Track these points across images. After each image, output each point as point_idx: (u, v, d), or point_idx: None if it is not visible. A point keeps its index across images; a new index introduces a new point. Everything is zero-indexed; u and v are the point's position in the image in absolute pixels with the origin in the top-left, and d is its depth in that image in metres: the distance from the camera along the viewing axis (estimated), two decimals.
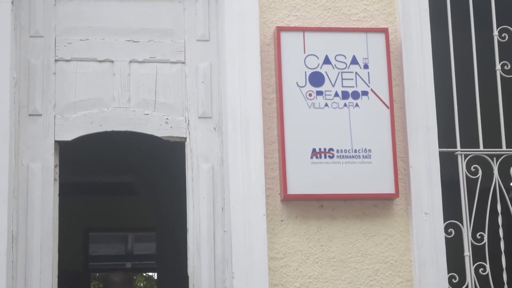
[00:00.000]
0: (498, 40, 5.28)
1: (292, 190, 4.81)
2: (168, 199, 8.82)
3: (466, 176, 5.06)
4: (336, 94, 4.97)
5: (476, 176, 5.06)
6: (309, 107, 4.93)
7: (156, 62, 5.06)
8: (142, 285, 18.39)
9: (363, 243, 4.86)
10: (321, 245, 4.84)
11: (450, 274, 4.87)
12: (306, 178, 4.81)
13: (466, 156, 5.11)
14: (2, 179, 4.64)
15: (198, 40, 5.12)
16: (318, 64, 4.98)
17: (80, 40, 5.02)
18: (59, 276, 8.98)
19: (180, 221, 5.24)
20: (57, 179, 4.87)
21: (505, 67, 5.27)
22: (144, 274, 17.73)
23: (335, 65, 5.00)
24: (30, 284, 4.68)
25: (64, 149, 5.02)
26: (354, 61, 5.02)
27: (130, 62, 5.04)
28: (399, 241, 4.89)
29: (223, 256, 4.83)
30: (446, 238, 4.90)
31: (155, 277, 14.14)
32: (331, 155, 4.86)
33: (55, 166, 4.87)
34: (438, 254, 4.86)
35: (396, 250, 4.88)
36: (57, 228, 4.85)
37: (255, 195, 4.81)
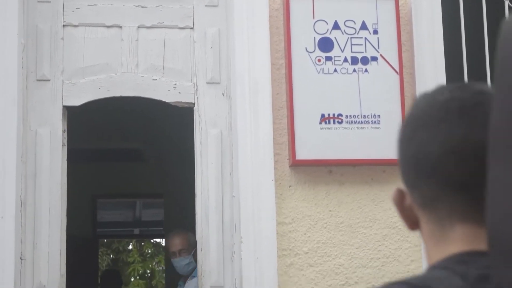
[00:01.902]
0: (509, 6, 5.24)
1: (301, 155, 4.80)
2: (176, 165, 8.82)
3: None
4: (345, 60, 4.94)
5: None
6: (318, 73, 4.91)
7: (164, 27, 5.04)
8: (149, 251, 18.49)
9: (371, 208, 4.86)
10: (330, 210, 4.85)
11: None
12: (314, 143, 4.80)
13: None
14: (10, 145, 4.64)
15: (206, 6, 5.09)
16: (327, 29, 4.96)
17: (88, 5, 5.00)
18: (67, 242, 9.04)
19: (188, 187, 5.24)
20: (65, 144, 4.87)
21: None
22: (152, 241, 17.82)
23: (344, 30, 4.97)
24: (39, 248, 4.70)
25: (72, 115, 5.02)
26: (363, 26, 4.99)
27: (138, 27, 5.02)
28: None
29: (231, 221, 4.84)
30: None
31: (163, 244, 14.21)
32: (340, 120, 4.85)
33: (63, 131, 4.87)
34: None
35: None
36: (66, 193, 4.87)
37: (264, 160, 4.81)
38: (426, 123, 1.16)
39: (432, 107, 1.17)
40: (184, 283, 6.20)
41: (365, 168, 4.87)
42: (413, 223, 1.29)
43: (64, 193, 4.84)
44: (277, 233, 4.77)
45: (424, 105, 1.19)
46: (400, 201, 1.31)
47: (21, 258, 4.65)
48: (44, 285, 4.68)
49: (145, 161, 10.16)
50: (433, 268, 1.15)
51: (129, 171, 10.19)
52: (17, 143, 4.67)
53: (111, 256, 18.31)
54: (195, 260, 5.89)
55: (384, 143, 4.84)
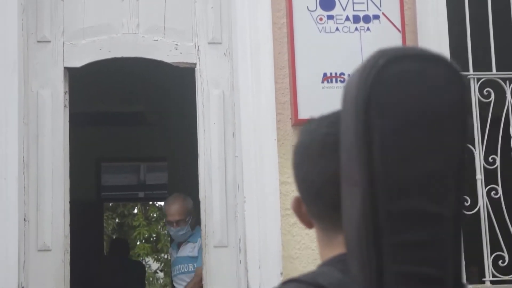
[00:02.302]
0: None
1: (303, 114, 4.79)
2: (180, 128, 8.81)
3: (479, 99, 5.03)
4: (347, 18, 4.91)
5: (489, 100, 5.03)
6: (320, 32, 4.88)
7: None
8: (155, 215, 18.54)
9: None
10: None
11: None
12: (317, 102, 4.78)
13: (478, 79, 5.07)
14: (12, 106, 4.63)
15: None
16: None
17: None
18: (71, 206, 9.06)
19: (192, 150, 5.24)
20: (67, 106, 4.86)
21: None
22: (157, 205, 17.85)
23: None
24: (42, 209, 4.70)
25: (74, 77, 5.00)
26: None
27: None
28: None
29: (235, 181, 4.83)
30: None
31: None
32: (342, 79, 4.82)
33: (65, 93, 4.85)
34: None
35: None
36: (68, 155, 4.86)
37: (266, 120, 4.79)
38: (309, 155, 1.40)
39: (312, 141, 1.41)
40: (178, 247, 6.03)
41: None
42: (309, 224, 1.52)
43: (66, 155, 4.84)
44: (280, 193, 4.76)
45: (308, 138, 1.42)
46: (297, 208, 1.51)
47: (24, 220, 4.65)
48: (48, 246, 4.70)
49: (148, 125, 10.15)
50: (321, 265, 1.40)
51: (132, 135, 10.18)
52: (19, 105, 4.66)
53: (117, 220, 18.38)
54: (192, 228, 5.90)
55: None
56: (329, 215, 1.40)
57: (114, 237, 17.07)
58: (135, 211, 18.54)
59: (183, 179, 8.69)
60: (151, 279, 19.02)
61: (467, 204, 4.85)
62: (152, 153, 10.65)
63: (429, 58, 1.19)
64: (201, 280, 5.21)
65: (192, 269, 5.82)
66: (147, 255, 18.57)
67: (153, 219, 18.59)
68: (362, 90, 1.15)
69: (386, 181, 1.12)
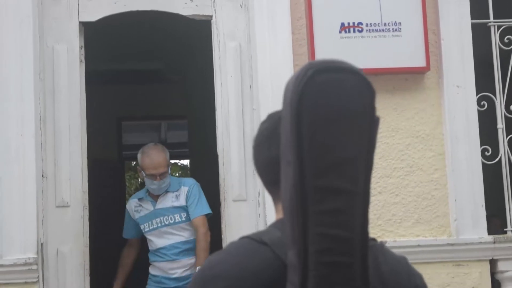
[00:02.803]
0: None
1: None
2: (200, 86, 8.76)
3: (499, 47, 4.94)
4: None
5: (510, 48, 4.94)
6: None
7: None
8: (177, 174, 18.56)
9: (394, 117, 4.79)
10: None
11: (483, 147, 4.80)
12: (334, 53, 4.70)
13: (499, 27, 4.97)
14: (27, 61, 4.60)
15: None
16: None
17: None
18: (93, 165, 9.05)
19: (211, 107, 5.18)
20: (83, 60, 4.82)
21: None
22: (179, 164, 17.87)
23: None
24: (60, 165, 4.69)
25: (92, 35, 4.94)
26: None
27: None
28: (431, 114, 4.81)
29: (252, 134, 4.78)
30: (478, 111, 4.81)
31: (189, 165, 14.20)
32: (360, 29, 4.75)
33: (80, 48, 4.81)
34: (471, 127, 4.79)
35: (428, 124, 4.81)
36: (85, 110, 4.83)
37: (283, 71, 4.72)
38: (256, 145, 1.89)
39: (258, 134, 1.90)
40: (153, 200, 5.34)
41: (386, 76, 4.79)
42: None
43: (83, 110, 4.80)
44: None
45: (257, 132, 1.92)
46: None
47: (42, 176, 4.64)
48: (67, 202, 4.69)
49: (168, 82, 10.10)
50: (268, 226, 1.79)
51: (153, 93, 10.15)
52: (34, 60, 4.62)
53: (139, 180, 18.40)
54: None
55: (405, 51, 4.75)
56: (269, 189, 1.83)
57: None
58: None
59: (203, 137, 8.65)
60: None
61: (488, 154, 4.80)
62: (172, 111, 10.62)
63: (347, 70, 1.52)
64: (207, 229, 5.15)
65: (180, 220, 5.23)
66: None
67: None
68: (295, 94, 1.47)
69: (312, 163, 1.45)
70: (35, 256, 4.48)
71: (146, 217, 5.38)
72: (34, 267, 4.47)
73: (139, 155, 5.52)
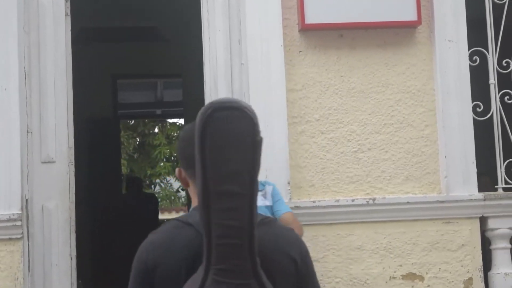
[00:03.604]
0: None
1: (310, 19, 4.63)
2: (193, 43, 8.66)
3: (493, 2, 4.85)
4: None
5: (503, 1, 4.85)
6: None
7: None
8: (175, 134, 18.47)
9: (384, 72, 4.72)
10: (341, 76, 4.71)
11: (474, 103, 4.73)
12: (325, 6, 4.62)
13: None
14: (11, 14, 4.52)
15: None
16: None
17: None
18: (87, 123, 8.98)
19: None
20: (69, 14, 4.72)
21: None
22: (178, 124, 17.79)
23: None
24: (45, 121, 4.62)
25: None
26: None
27: None
28: (422, 69, 4.73)
29: (241, 89, 4.72)
30: (470, 66, 4.73)
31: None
32: None
33: (66, 1, 4.71)
34: (462, 82, 4.71)
35: (419, 79, 4.73)
36: (71, 64, 4.74)
37: (272, 25, 4.65)
38: (179, 145, 2.31)
39: (180, 138, 2.31)
40: None
41: (377, 31, 4.70)
42: (187, 185, 2.28)
43: (69, 64, 4.72)
44: (287, 100, 4.65)
45: (184, 130, 2.34)
46: (179, 174, 2.30)
47: (27, 131, 4.58)
48: (52, 158, 4.62)
49: (163, 40, 9.99)
50: (191, 210, 2.22)
51: (148, 51, 10.04)
52: (18, 13, 4.54)
53: (137, 139, 18.38)
54: None
55: (396, 4, 4.66)
56: (190, 178, 2.24)
57: (135, 156, 17.13)
58: (156, 130, 18.49)
59: (198, 95, 8.57)
60: (172, 198, 19.12)
61: (479, 110, 4.73)
62: (168, 69, 10.51)
63: (236, 108, 2.03)
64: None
65: None
66: (168, 174, 18.59)
67: (173, 138, 18.54)
68: (199, 126, 2.00)
69: (212, 174, 1.98)
70: (20, 212, 4.43)
71: None
72: (19, 223, 4.42)
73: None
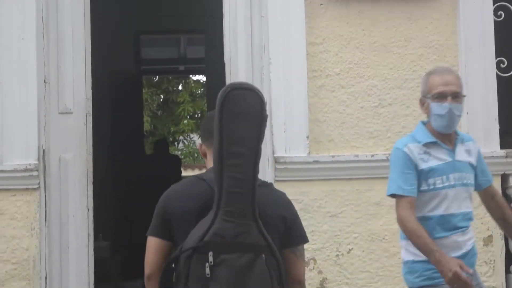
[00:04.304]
0: None
1: None
2: None
3: None
4: None
5: None
6: None
7: None
8: (199, 92, 18.44)
9: (406, 27, 4.64)
10: (363, 30, 4.63)
11: (498, 58, 4.65)
12: None
13: None
14: None
15: None
16: None
17: None
18: (110, 78, 8.95)
19: None
20: None
21: None
22: (202, 81, 17.74)
23: None
24: (63, 71, 4.60)
25: None
26: None
27: None
28: (445, 24, 4.65)
29: (260, 42, 4.66)
30: (495, 21, 4.65)
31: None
32: None
33: None
34: (486, 38, 4.63)
35: (442, 34, 4.65)
36: (89, 16, 4.69)
37: None
38: (208, 119, 2.82)
39: (206, 118, 2.90)
40: (448, 147, 3.66)
41: None
42: (204, 156, 2.84)
43: (87, 16, 4.67)
44: (307, 54, 4.59)
45: (206, 116, 2.94)
46: (200, 148, 2.87)
47: (45, 82, 4.55)
48: (70, 109, 4.61)
49: None
50: (207, 170, 2.78)
51: (172, 6, 9.97)
52: None
53: (161, 96, 18.36)
54: None
55: None
56: (207, 147, 2.81)
57: (159, 112, 17.11)
58: (180, 87, 18.45)
59: (221, 53, 8.51)
60: (195, 155, 19.10)
61: (503, 66, 4.65)
62: (191, 25, 10.44)
63: (249, 89, 2.62)
64: None
65: (472, 182, 3.74)
66: (191, 131, 18.59)
67: (197, 96, 18.51)
68: (219, 102, 2.56)
69: (226, 138, 2.55)
70: (36, 162, 4.43)
71: (441, 168, 3.70)
72: (35, 173, 4.41)
73: (423, 81, 3.70)
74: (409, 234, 3.45)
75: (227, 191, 2.53)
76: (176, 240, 2.63)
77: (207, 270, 2.49)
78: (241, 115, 2.55)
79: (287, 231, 2.69)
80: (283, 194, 2.78)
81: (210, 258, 2.50)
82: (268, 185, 2.73)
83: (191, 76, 17.70)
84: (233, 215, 2.52)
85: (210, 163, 2.76)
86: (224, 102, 2.54)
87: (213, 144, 2.59)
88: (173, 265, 2.62)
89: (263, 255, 2.55)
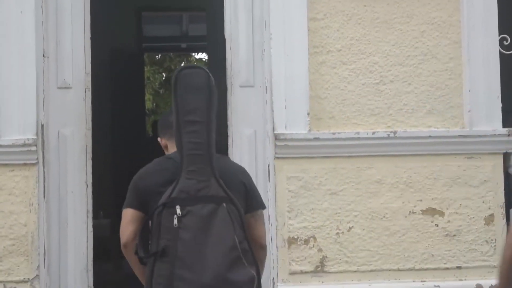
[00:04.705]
0: None
1: None
2: None
3: None
4: None
5: None
6: None
7: None
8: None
9: (409, 3, 4.59)
10: (364, 5, 4.58)
11: (501, 36, 4.61)
12: None
13: None
14: None
15: None
16: None
17: None
18: (111, 55, 8.90)
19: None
20: None
21: None
22: (204, 59, 17.67)
23: None
24: (62, 45, 4.57)
25: None
26: None
27: None
28: (448, 0, 4.59)
29: (261, 17, 4.61)
30: None
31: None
32: None
33: None
34: (489, 14, 4.57)
35: (444, 10, 4.60)
36: None
37: None
38: (162, 117, 3.47)
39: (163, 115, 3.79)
40: None
41: None
42: (166, 148, 3.24)
43: None
44: (308, 30, 4.54)
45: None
46: (161, 141, 3.26)
47: (43, 55, 4.52)
48: (69, 84, 4.57)
49: None
50: (172, 153, 3.10)
51: None
52: None
53: (163, 75, 18.28)
54: None
55: None
56: (170, 141, 3.20)
57: (161, 91, 17.06)
58: (182, 65, 18.39)
59: (222, 31, 8.46)
60: None
61: (506, 43, 4.61)
62: (192, 3, 10.38)
63: (197, 67, 3.04)
64: None
65: None
66: None
67: None
68: (173, 80, 2.97)
69: (181, 109, 2.94)
70: (35, 137, 4.40)
71: None
72: (34, 148, 4.38)
73: None
74: None
75: (187, 154, 2.90)
76: (148, 211, 2.94)
77: (175, 221, 2.84)
78: (192, 89, 2.92)
79: (247, 197, 3.03)
80: (240, 165, 3.20)
81: (178, 211, 2.85)
82: (225, 157, 3.17)
83: (193, 54, 17.62)
84: (195, 174, 2.89)
85: (172, 150, 3.15)
86: (177, 80, 2.94)
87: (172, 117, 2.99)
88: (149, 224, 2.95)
89: (224, 204, 2.89)
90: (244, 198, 3.02)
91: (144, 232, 2.94)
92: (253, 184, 3.12)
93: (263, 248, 3.08)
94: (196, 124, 2.92)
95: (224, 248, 2.86)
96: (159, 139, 3.29)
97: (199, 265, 2.85)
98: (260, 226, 3.07)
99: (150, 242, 2.94)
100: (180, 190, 2.88)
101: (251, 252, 2.94)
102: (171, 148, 3.17)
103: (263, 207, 3.11)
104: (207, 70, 3.00)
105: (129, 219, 3.00)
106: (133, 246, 2.95)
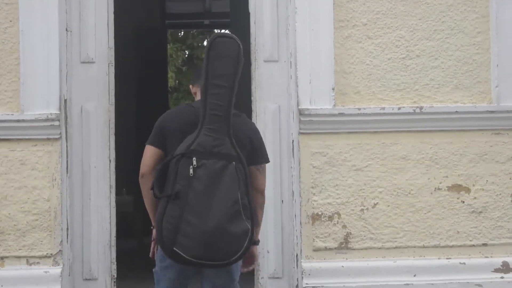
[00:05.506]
0: None
1: None
2: None
3: None
4: None
5: None
6: None
7: None
8: None
9: None
10: None
11: None
12: None
13: None
14: None
15: None
16: None
17: None
18: (135, 32, 8.86)
19: None
20: None
21: None
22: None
23: None
24: (85, 20, 4.54)
25: None
26: None
27: None
28: None
29: None
30: None
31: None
32: None
33: None
34: None
35: None
36: None
37: None
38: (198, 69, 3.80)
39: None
40: None
41: None
42: (195, 95, 3.56)
43: None
44: (333, 3, 4.49)
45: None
46: (191, 88, 3.60)
47: (66, 30, 4.49)
48: (92, 58, 4.54)
49: None
50: (196, 101, 3.49)
51: None
52: None
53: (186, 52, 18.24)
54: None
55: None
56: (198, 89, 3.49)
57: (183, 68, 17.04)
58: (205, 43, 18.33)
59: (245, 7, 8.41)
60: None
61: None
62: None
63: (229, 37, 3.33)
64: None
65: None
66: None
67: None
68: (207, 46, 3.27)
69: (210, 74, 3.24)
70: (58, 112, 4.38)
71: None
72: (57, 123, 4.37)
73: None
74: None
75: (209, 114, 3.24)
76: (168, 150, 3.32)
77: (191, 171, 3.19)
78: (223, 57, 3.24)
79: (254, 151, 3.40)
80: (252, 123, 3.58)
81: (194, 162, 3.19)
82: (241, 115, 3.42)
83: (216, 31, 17.56)
84: (213, 132, 3.24)
85: (198, 97, 3.49)
86: (210, 47, 3.26)
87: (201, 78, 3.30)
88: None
89: (234, 163, 3.23)
90: (251, 152, 3.37)
91: (161, 174, 3.23)
92: (261, 139, 3.48)
93: (263, 194, 3.46)
94: (222, 88, 3.25)
95: (228, 201, 3.20)
96: (190, 86, 3.63)
97: (205, 214, 3.17)
98: (262, 176, 3.45)
99: (165, 184, 3.24)
100: (199, 144, 3.21)
101: (250, 207, 3.26)
102: (198, 96, 3.50)
103: (267, 161, 3.49)
104: (239, 41, 3.30)
105: (149, 154, 3.37)
106: (150, 178, 3.30)
